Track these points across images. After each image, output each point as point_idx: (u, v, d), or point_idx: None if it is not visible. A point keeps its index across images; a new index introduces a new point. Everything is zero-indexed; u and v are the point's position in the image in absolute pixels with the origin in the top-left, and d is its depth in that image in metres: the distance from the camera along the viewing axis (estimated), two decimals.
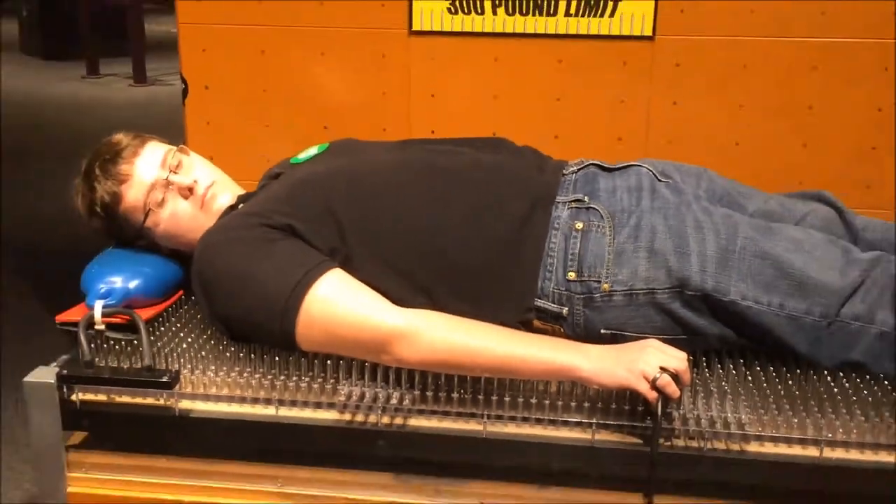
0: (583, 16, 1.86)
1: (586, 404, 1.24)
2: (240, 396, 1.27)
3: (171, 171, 1.51)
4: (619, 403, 1.23)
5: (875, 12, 1.79)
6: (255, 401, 1.27)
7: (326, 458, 1.27)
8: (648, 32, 1.86)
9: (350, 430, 1.24)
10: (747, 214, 1.47)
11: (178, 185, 1.50)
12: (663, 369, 1.16)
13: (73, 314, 1.43)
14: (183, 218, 1.51)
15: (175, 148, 1.56)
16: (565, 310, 1.35)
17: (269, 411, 1.26)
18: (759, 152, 1.89)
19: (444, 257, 1.37)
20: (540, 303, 1.36)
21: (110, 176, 1.50)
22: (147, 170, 1.50)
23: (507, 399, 1.24)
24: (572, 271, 1.35)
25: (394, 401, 1.25)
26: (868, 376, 1.30)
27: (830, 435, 1.17)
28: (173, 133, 1.73)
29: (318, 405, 1.26)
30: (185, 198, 1.51)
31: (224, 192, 1.54)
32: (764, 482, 1.20)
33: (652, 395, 1.16)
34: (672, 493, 1.20)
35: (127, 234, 1.55)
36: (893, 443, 1.17)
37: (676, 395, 1.17)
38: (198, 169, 1.55)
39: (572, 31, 1.88)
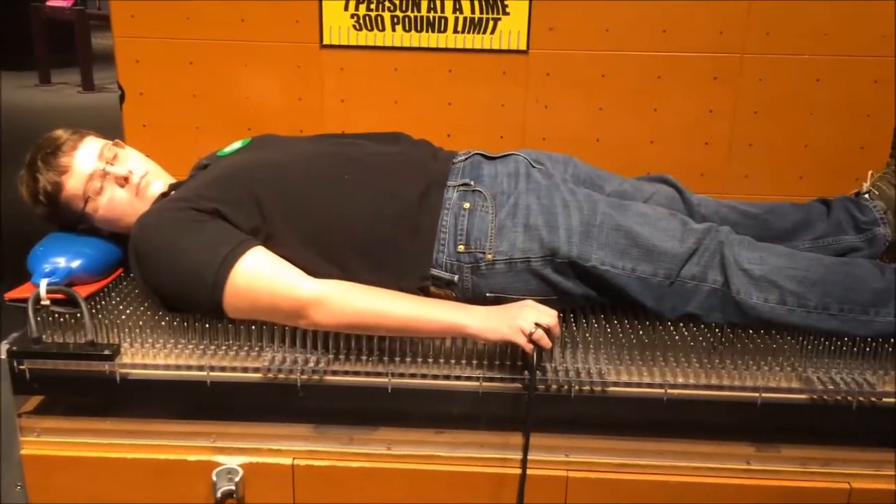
0: (469, 33, 1.85)
1: (475, 360, 1.22)
2: (175, 364, 1.21)
3: (107, 162, 1.42)
4: (503, 359, 1.22)
5: (706, 31, 1.83)
6: (189, 367, 1.21)
7: (253, 414, 1.23)
8: (523, 47, 1.85)
9: (273, 389, 1.20)
10: (605, 194, 1.48)
11: (115, 174, 1.42)
12: (538, 325, 1.16)
13: (21, 292, 1.34)
14: (120, 204, 1.42)
15: (111, 142, 1.47)
16: (456, 277, 1.33)
17: (201, 374, 1.20)
18: (615, 146, 1.91)
19: (353, 234, 1.33)
20: (435, 271, 1.34)
21: (51, 167, 1.41)
22: (85, 161, 1.41)
23: (408, 358, 1.22)
24: (461, 244, 1.33)
25: (311, 364, 1.21)
26: (703, 325, 1.33)
27: (671, 379, 1.20)
28: (115, 135, 1.63)
29: (244, 369, 1.21)
30: (122, 186, 1.43)
31: (157, 180, 1.46)
32: (619, 417, 1.21)
33: (529, 346, 1.16)
34: (546, 431, 1.20)
35: (69, 219, 1.45)
36: (720, 383, 1.21)
37: (549, 346, 1.17)
38: (132, 160, 1.46)
39: (460, 46, 1.86)
